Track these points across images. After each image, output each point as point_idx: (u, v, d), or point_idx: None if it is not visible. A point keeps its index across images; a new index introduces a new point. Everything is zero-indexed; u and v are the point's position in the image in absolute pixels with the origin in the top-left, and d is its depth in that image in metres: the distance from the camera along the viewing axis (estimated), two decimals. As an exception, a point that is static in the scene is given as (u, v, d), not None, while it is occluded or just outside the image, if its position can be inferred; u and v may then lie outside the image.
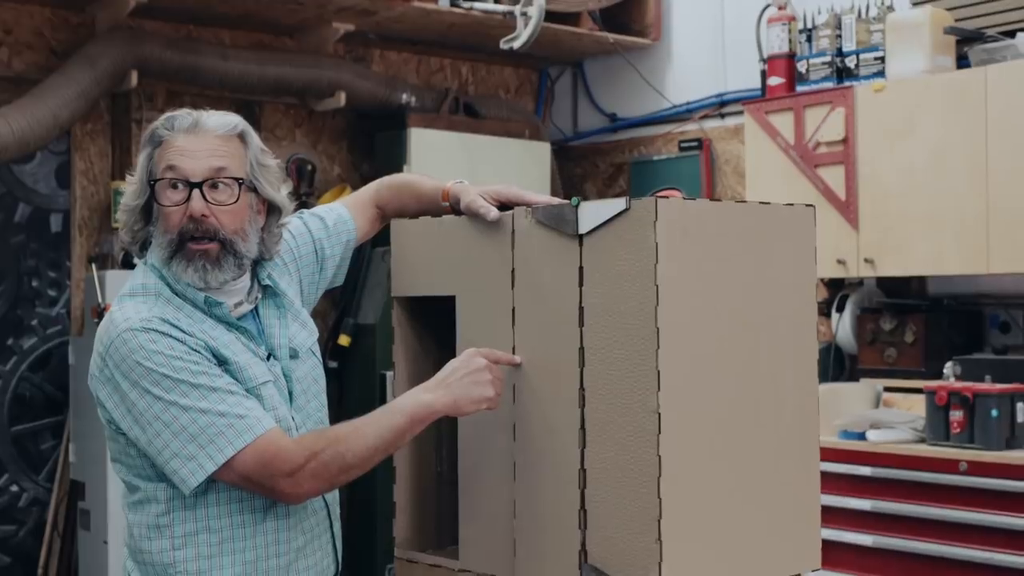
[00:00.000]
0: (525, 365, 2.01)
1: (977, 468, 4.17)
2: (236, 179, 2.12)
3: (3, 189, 5.34)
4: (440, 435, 2.27)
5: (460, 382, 2.00)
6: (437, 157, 5.81)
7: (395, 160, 5.78)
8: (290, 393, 2.17)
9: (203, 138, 2.13)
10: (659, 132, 6.25)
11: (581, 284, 1.92)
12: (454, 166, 5.85)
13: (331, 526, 2.22)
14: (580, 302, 1.92)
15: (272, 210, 2.21)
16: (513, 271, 2.03)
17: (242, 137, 2.18)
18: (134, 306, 2.08)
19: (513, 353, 2.02)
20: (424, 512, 2.27)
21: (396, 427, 2.00)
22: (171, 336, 2.03)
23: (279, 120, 5.94)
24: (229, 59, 5.41)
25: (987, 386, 4.28)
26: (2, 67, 5.16)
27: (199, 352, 2.04)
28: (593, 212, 1.91)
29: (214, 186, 2.09)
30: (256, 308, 2.19)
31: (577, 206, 1.94)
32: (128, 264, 5.20)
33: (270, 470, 1.99)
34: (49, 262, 5.46)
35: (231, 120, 2.18)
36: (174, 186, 2.09)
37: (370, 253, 5.79)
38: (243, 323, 2.15)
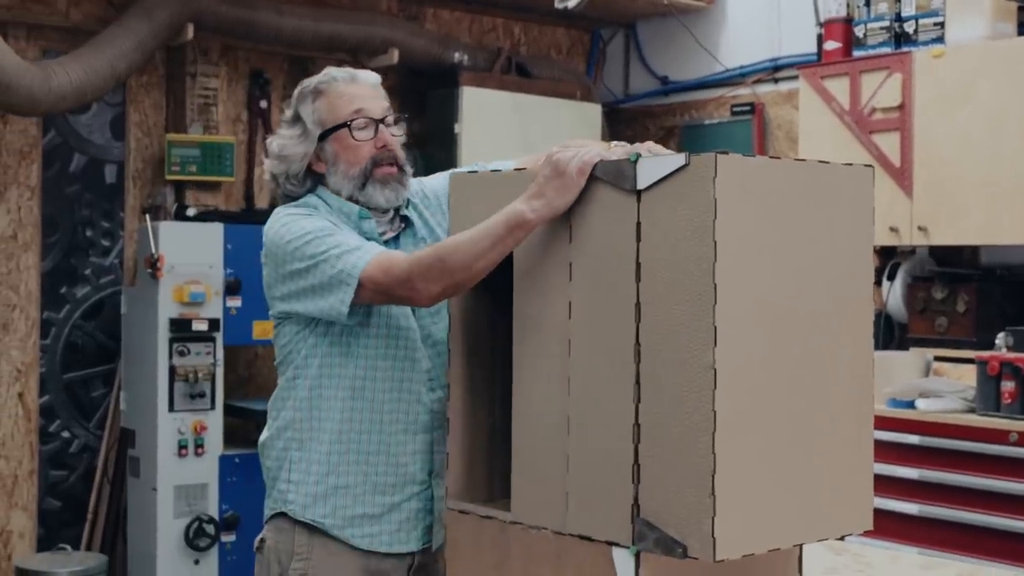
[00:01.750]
0: (581, 320, 2.01)
1: (1027, 439, 4.15)
2: (401, 116, 2.58)
3: (59, 139, 5.39)
4: (493, 388, 2.28)
5: (550, 186, 2.06)
6: (488, 116, 5.82)
7: (446, 119, 5.79)
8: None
9: (365, 87, 2.56)
10: (711, 96, 6.21)
11: (638, 240, 1.92)
12: (505, 126, 5.86)
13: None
14: (637, 258, 1.92)
15: None
16: (571, 227, 2.03)
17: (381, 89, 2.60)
18: (300, 211, 2.48)
19: (569, 308, 2.03)
20: (476, 464, 2.28)
21: (493, 234, 2.14)
22: (309, 216, 2.45)
23: (332, 76, 5.95)
24: (284, 15, 5.42)
25: (1039, 357, 4.25)
26: (60, 17, 5.20)
27: (329, 221, 2.44)
28: (652, 168, 1.91)
29: (387, 122, 2.53)
30: (398, 236, 2.53)
31: (636, 162, 1.93)
32: (181, 216, 5.25)
33: (390, 277, 2.30)
34: (103, 212, 5.51)
35: (374, 75, 2.62)
36: (361, 126, 2.48)
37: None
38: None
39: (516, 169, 2.35)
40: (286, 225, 2.44)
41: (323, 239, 2.37)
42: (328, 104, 2.50)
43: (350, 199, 2.49)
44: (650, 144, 2.16)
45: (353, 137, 2.48)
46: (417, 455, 2.44)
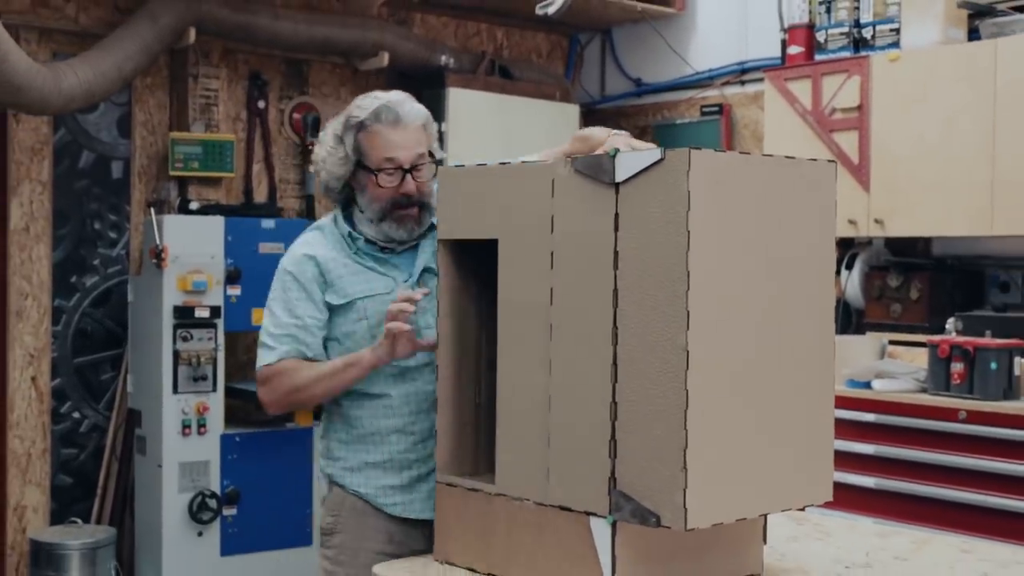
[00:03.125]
0: (562, 305, 2.01)
1: (975, 417, 4.17)
2: (433, 160, 2.62)
3: (69, 137, 5.35)
4: (479, 369, 2.28)
5: (384, 347, 2.47)
6: (473, 116, 5.81)
7: (433, 118, 5.75)
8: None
9: (407, 131, 2.59)
10: (682, 97, 6.21)
11: (616, 230, 1.92)
12: (489, 125, 5.85)
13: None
14: (615, 247, 1.92)
15: None
16: (552, 217, 2.03)
17: (426, 125, 2.65)
18: (304, 238, 2.72)
19: (551, 294, 2.03)
20: (464, 440, 2.28)
21: (348, 380, 2.57)
22: (292, 269, 2.67)
23: (325, 78, 5.93)
24: (280, 19, 5.40)
25: (987, 340, 4.26)
26: (69, 22, 5.17)
27: (300, 282, 2.65)
28: (629, 162, 1.91)
29: (417, 167, 2.58)
30: (417, 244, 2.64)
31: (614, 156, 1.93)
32: (184, 210, 5.22)
33: (259, 387, 2.67)
34: (110, 206, 5.48)
35: (422, 112, 2.65)
36: (389, 173, 2.57)
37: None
38: (387, 256, 2.64)
39: (523, 161, 2.29)
40: (278, 274, 2.72)
41: (269, 317, 2.68)
42: (367, 143, 2.59)
43: (371, 222, 2.63)
44: (627, 135, 2.26)
45: (378, 184, 2.58)
46: (433, 433, 2.46)
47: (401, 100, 2.63)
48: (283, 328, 2.63)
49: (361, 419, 2.61)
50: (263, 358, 2.63)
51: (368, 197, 2.61)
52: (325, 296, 2.63)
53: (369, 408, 2.59)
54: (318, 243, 2.68)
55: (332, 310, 2.62)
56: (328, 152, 2.65)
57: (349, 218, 2.68)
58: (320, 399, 2.65)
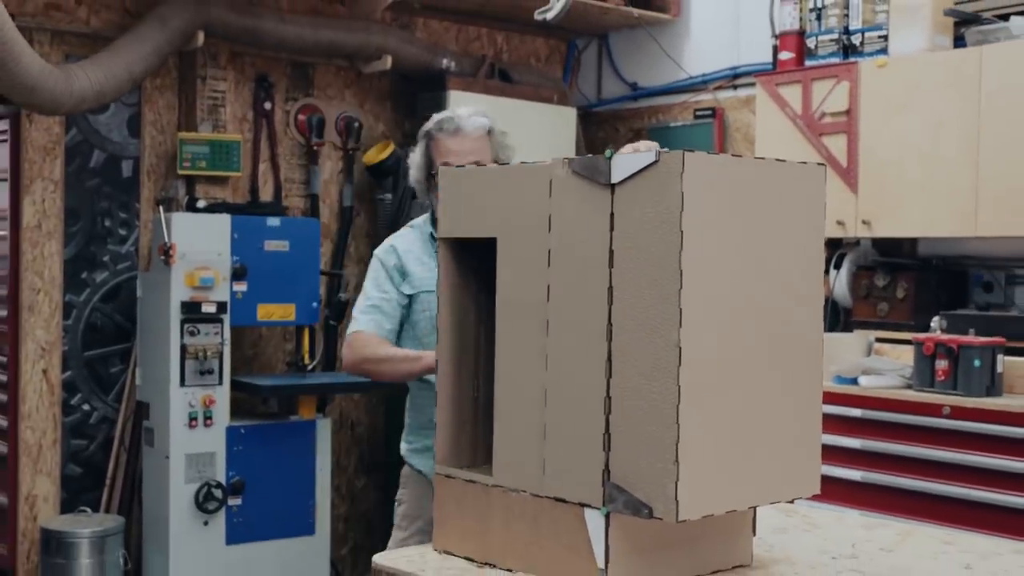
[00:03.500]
0: (558, 302, 2.01)
1: (959, 413, 4.17)
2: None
3: (80, 137, 5.35)
4: (478, 364, 2.28)
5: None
6: (473, 118, 5.79)
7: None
8: None
9: (463, 140, 2.91)
10: (676, 101, 6.21)
11: (612, 229, 1.92)
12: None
13: None
14: (610, 245, 1.92)
15: None
16: (550, 216, 2.03)
17: (489, 133, 2.96)
18: (397, 232, 3.15)
19: (548, 291, 2.03)
20: (462, 433, 2.28)
21: (411, 371, 2.98)
22: (380, 256, 3.10)
23: (330, 80, 5.93)
24: (286, 23, 5.40)
25: (970, 338, 4.26)
26: (81, 24, 5.17)
27: (384, 267, 3.07)
28: (625, 163, 1.90)
29: None
30: None
31: (610, 158, 1.93)
32: (192, 208, 5.22)
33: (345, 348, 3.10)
34: (120, 204, 5.48)
35: (480, 122, 2.94)
36: None
37: (410, 204, 5.79)
38: None
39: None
40: (372, 259, 3.14)
41: (361, 294, 3.09)
42: (433, 150, 2.95)
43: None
44: (641, 144, 2.47)
45: (427, 179, 2.94)
46: None
47: (465, 114, 2.95)
48: (369, 302, 3.02)
49: (425, 407, 2.95)
50: (351, 326, 3.06)
51: (435, 199, 2.81)
52: (401, 285, 3.01)
53: (432, 398, 2.60)
54: (405, 237, 3.06)
55: (408, 298, 3.01)
56: (412, 158, 3.04)
57: (435, 219, 2.92)
58: (386, 377, 3.04)
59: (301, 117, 5.84)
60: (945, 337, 4.32)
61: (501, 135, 3.00)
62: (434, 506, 2.26)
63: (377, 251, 3.13)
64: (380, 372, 3.03)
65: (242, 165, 5.48)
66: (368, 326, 3.02)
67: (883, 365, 4.54)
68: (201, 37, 5.14)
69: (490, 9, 6.08)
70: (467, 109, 3.01)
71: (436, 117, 2.99)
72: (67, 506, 5.24)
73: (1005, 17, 4.59)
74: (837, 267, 5.09)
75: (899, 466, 4.35)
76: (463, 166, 2.60)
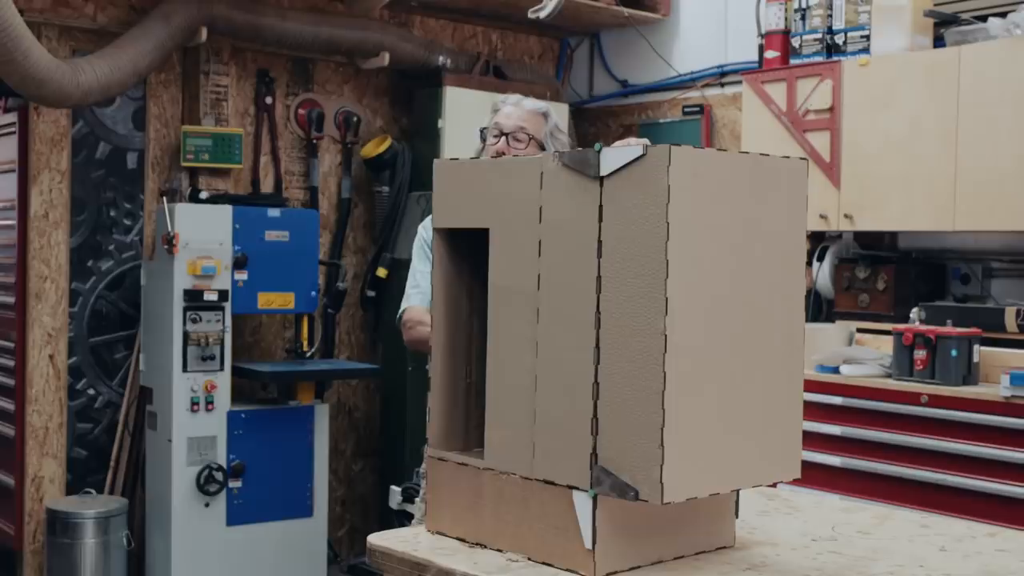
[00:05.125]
0: (548, 291, 2.01)
1: (936, 401, 4.18)
2: (529, 136, 3.06)
3: (87, 129, 5.34)
4: (471, 350, 2.28)
5: None
6: (468, 113, 5.78)
7: (431, 115, 5.76)
8: None
9: (518, 109, 3.10)
10: (665, 98, 6.20)
11: (600, 220, 1.91)
12: (483, 122, 5.81)
13: None
14: (599, 236, 1.91)
15: None
16: (541, 208, 2.03)
17: (545, 116, 3.12)
18: None
19: (538, 280, 2.02)
20: (454, 417, 2.28)
21: None
22: (422, 232, 3.22)
23: (329, 76, 5.92)
24: (287, 20, 5.38)
25: (948, 329, 4.27)
26: (88, 20, 5.15)
27: (422, 245, 3.17)
28: (613, 157, 1.90)
29: (516, 138, 3.06)
30: None
31: (599, 152, 1.93)
32: (195, 199, 5.21)
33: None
34: (125, 195, 5.47)
35: (539, 104, 3.13)
36: (495, 136, 3.09)
37: (407, 197, 5.78)
38: None
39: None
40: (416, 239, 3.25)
41: (410, 272, 3.21)
42: (493, 119, 3.13)
43: None
44: (632, 139, 2.43)
45: (484, 141, 3.13)
46: None
47: (528, 96, 3.14)
48: (415, 279, 3.14)
49: None
50: (403, 303, 3.16)
51: (484, 156, 3.03)
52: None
53: None
54: None
55: None
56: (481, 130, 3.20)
57: None
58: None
59: (301, 111, 5.83)
60: (924, 328, 4.33)
61: (557, 129, 3.13)
62: (427, 488, 2.26)
63: (420, 227, 3.24)
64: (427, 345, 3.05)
65: (243, 158, 5.46)
66: (414, 300, 3.12)
67: (864, 355, 4.55)
68: (204, 33, 5.12)
69: (485, 8, 6.06)
70: (535, 99, 3.19)
71: (500, 97, 3.19)
72: (72, 488, 5.23)
73: (983, 18, 4.59)
74: (820, 259, 5.10)
75: (878, 452, 4.35)
76: (506, 135, 3.04)
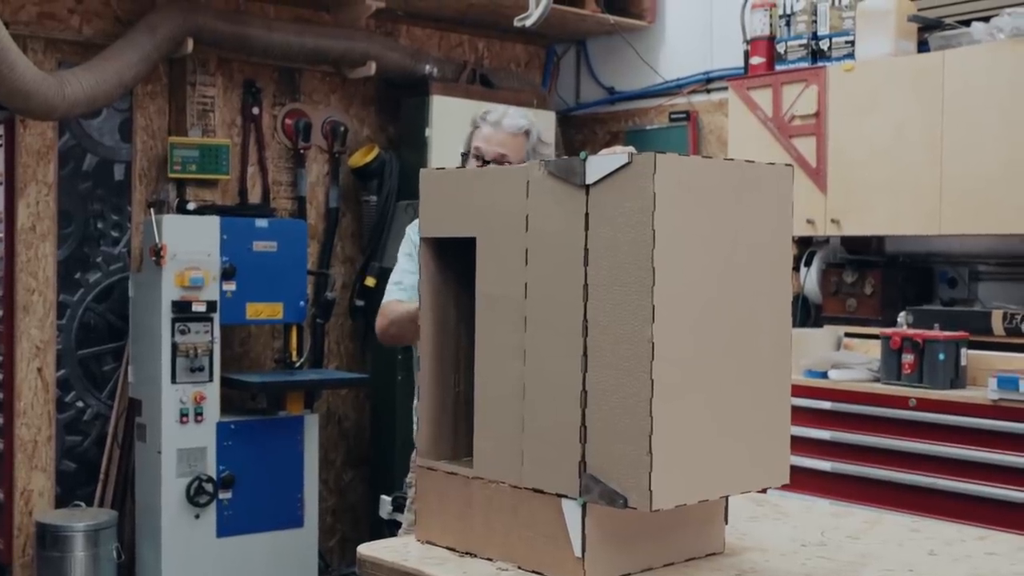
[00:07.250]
0: (535, 299, 2.01)
1: (925, 405, 4.19)
2: (509, 163, 2.93)
3: (73, 141, 5.32)
4: (459, 359, 2.27)
5: None
6: (455, 122, 5.75)
7: (418, 124, 5.76)
8: None
9: (498, 132, 3.00)
10: (652, 104, 6.21)
11: (587, 228, 1.91)
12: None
13: None
14: (585, 244, 1.91)
15: None
16: (527, 216, 2.02)
17: (527, 134, 3.03)
18: None
19: (526, 288, 2.02)
20: (443, 426, 2.27)
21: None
22: (410, 232, 3.18)
23: (316, 86, 5.91)
24: (273, 30, 5.38)
25: (935, 333, 4.28)
26: (73, 33, 5.14)
27: (411, 242, 3.12)
28: (599, 165, 1.90)
29: (498, 164, 2.94)
30: None
31: (585, 160, 1.93)
32: (182, 210, 5.20)
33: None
34: (112, 207, 5.45)
35: (520, 123, 3.03)
36: (476, 159, 3.02)
37: (395, 206, 5.78)
38: None
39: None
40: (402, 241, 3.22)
41: (395, 268, 3.17)
42: (474, 136, 3.04)
43: None
44: (618, 147, 2.34)
45: (464, 165, 3.02)
46: None
47: (510, 111, 3.04)
48: (397, 275, 3.11)
49: None
50: (384, 297, 3.12)
51: None
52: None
53: None
54: None
55: None
56: (464, 141, 3.11)
57: None
58: (409, 333, 2.83)
59: (288, 121, 5.82)
60: (911, 332, 4.34)
61: (540, 143, 3.07)
62: (415, 498, 2.26)
63: (408, 227, 3.22)
64: (402, 329, 2.96)
65: (231, 168, 5.45)
66: (392, 295, 3.10)
67: (851, 359, 4.56)
68: (190, 44, 5.11)
69: (471, 16, 6.07)
70: (517, 110, 3.10)
71: (486, 108, 3.10)
72: (62, 501, 5.21)
73: (967, 23, 4.61)
74: (807, 264, 5.10)
75: (867, 457, 4.36)
76: (488, 162, 2.97)
